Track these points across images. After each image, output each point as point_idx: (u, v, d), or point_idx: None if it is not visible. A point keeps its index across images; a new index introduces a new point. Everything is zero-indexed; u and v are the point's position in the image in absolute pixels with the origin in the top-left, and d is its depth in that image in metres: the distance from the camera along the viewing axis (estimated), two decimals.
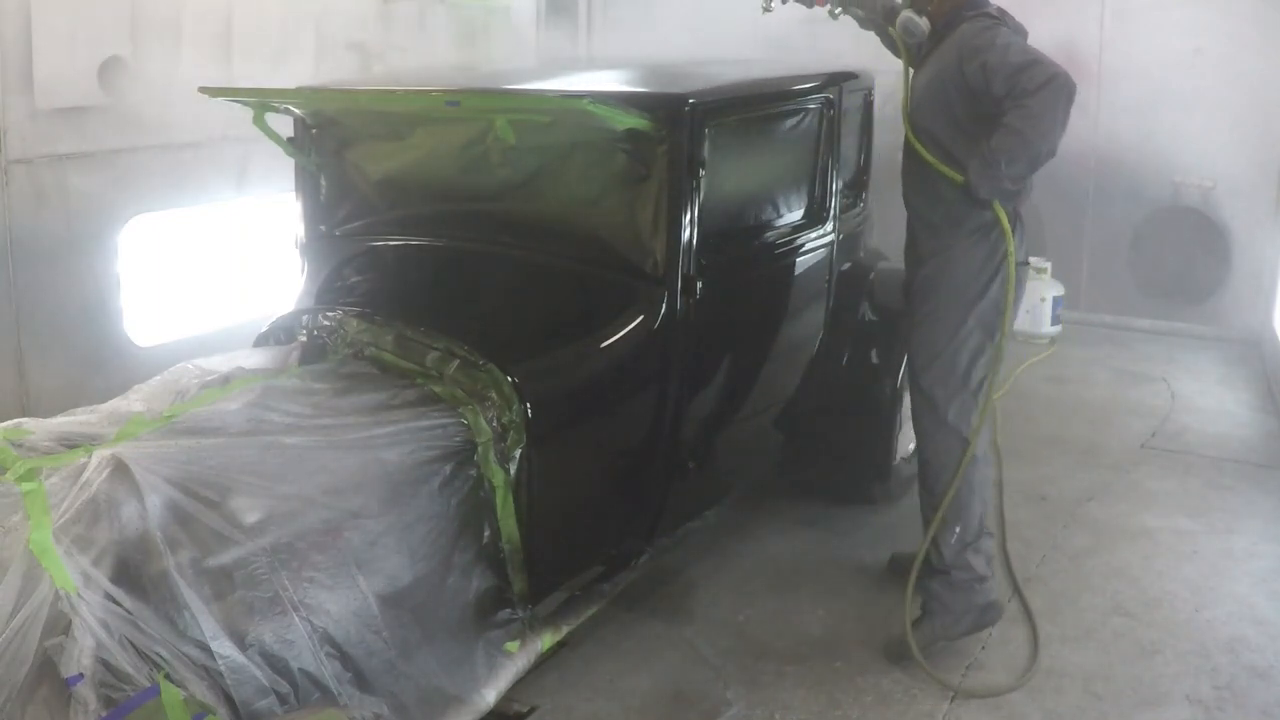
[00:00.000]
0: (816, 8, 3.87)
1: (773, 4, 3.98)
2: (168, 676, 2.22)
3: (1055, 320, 6.69)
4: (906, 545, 4.06)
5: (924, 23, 3.42)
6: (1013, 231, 3.31)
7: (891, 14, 3.62)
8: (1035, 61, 3.12)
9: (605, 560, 3.48)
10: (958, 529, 3.41)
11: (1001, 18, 3.37)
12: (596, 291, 3.40)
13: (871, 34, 3.91)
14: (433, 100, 3.47)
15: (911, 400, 3.58)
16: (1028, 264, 3.54)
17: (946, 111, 3.33)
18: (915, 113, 3.44)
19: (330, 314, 3.38)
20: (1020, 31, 3.39)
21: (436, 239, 3.72)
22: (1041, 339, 6.61)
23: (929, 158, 3.35)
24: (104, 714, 2.13)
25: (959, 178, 3.27)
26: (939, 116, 3.35)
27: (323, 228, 3.95)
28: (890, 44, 3.76)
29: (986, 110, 3.20)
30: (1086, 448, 5.15)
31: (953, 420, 3.40)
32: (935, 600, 3.44)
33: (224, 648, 2.32)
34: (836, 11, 3.82)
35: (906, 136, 3.46)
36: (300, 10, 5.38)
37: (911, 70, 3.52)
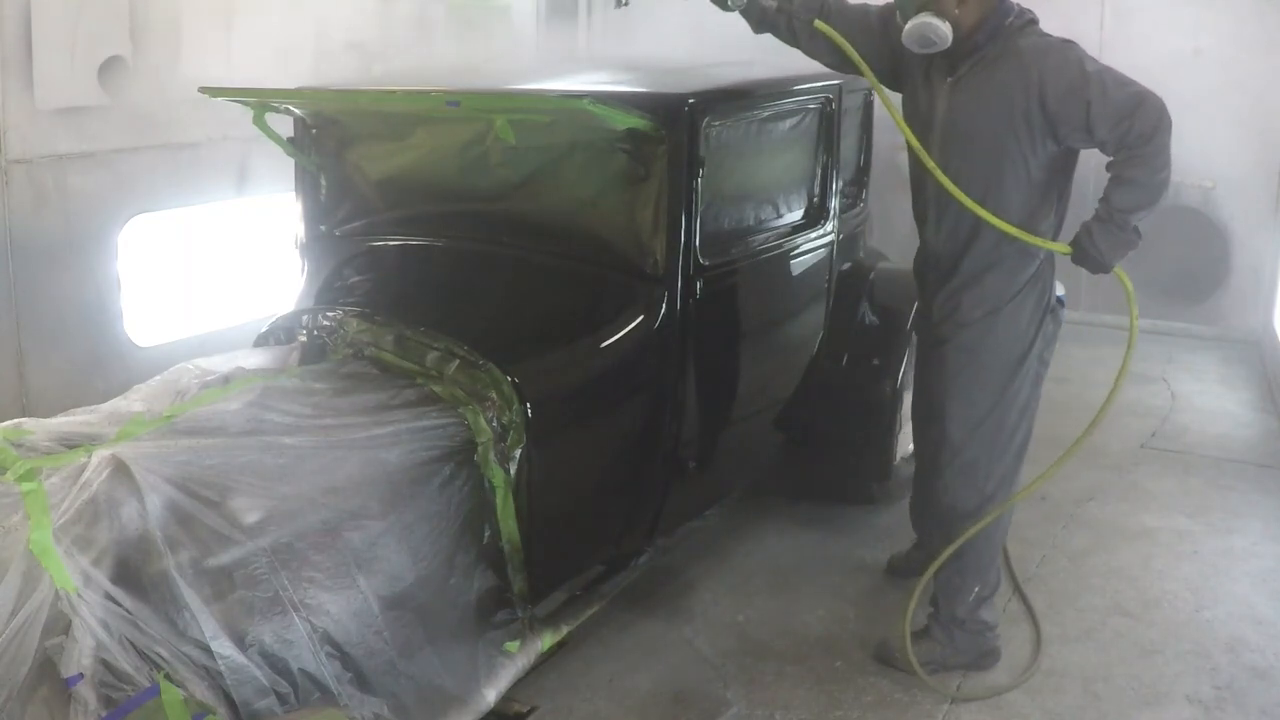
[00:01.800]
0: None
1: None
2: (168, 676, 2.22)
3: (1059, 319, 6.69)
4: (906, 546, 4.06)
5: (947, 29, 2.96)
6: (1047, 272, 3.12)
7: (814, 10, 3.20)
8: (1139, 98, 2.84)
9: (605, 560, 3.48)
10: (977, 588, 3.34)
11: (1037, 24, 3.08)
12: (596, 291, 3.40)
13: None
14: (433, 100, 3.47)
15: (939, 469, 3.34)
16: (1063, 303, 3.33)
17: (1016, 153, 2.97)
18: (953, 148, 3.05)
19: (330, 314, 3.38)
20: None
21: (436, 239, 3.71)
22: None
23: (1013, 231, 2.98)
24: (104, 714, 2.13)
25: (1065, 249, 2.99)
26: (1002, 157, 2.99)
27: (323, 228, 3.95)
28: (816, 48, 3.31)
29: (1064, 151, 2.96)
30: (1086, 448, 5.09)
31: (993, 491, 3.25)
32: (943, 631, 3.38)
33: (224, 648, 2.32)
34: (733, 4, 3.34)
35: (952, 194, 3.01)
36: (300, 10, 5.38)
37: (903, 92, 3.23)
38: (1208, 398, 5.84)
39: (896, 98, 3.31)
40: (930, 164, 3.08)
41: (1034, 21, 3.09)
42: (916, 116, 3.21)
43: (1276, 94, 6.43)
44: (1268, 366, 6.14)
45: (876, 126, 4.62)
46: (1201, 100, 6.53)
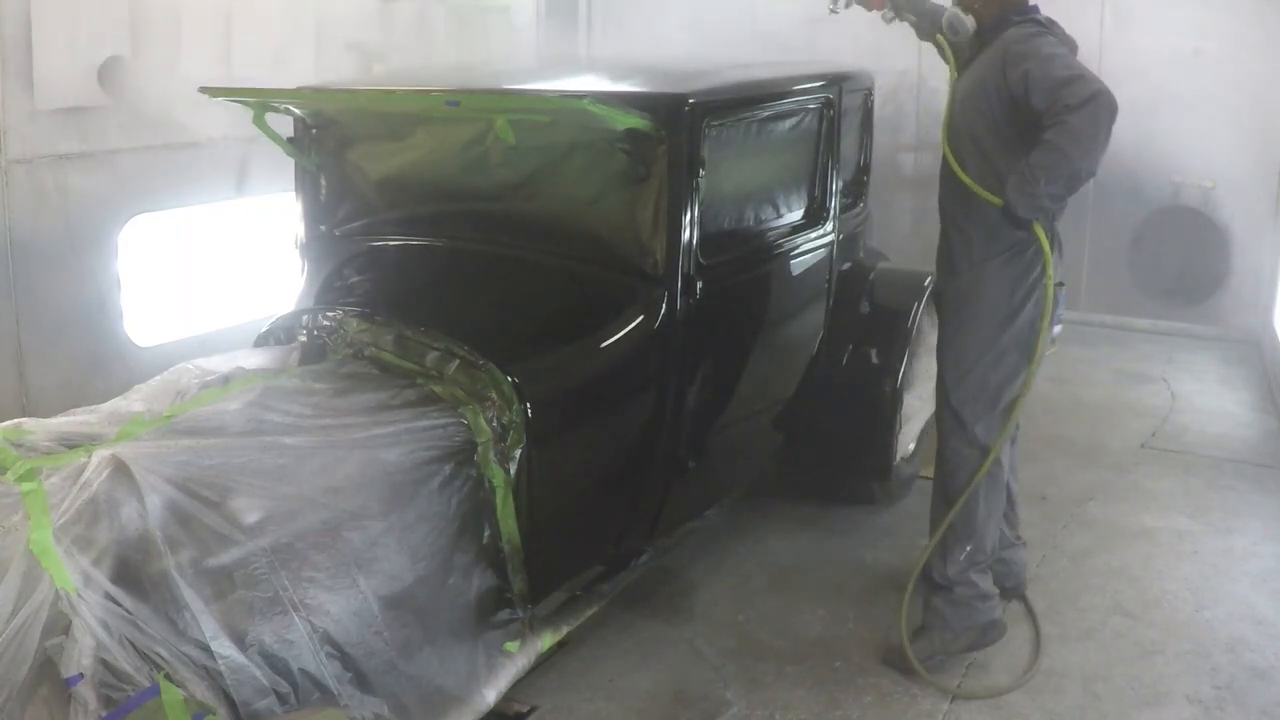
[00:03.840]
0: (875, 11, 3.88)
1: (839, 6, 3.97)
2: (168, 676, 2.22)
3: (1056, 320, 6.69)
4: (908, 545, 4.06)
5: (970, 21, 3.37)
6: (1051, 250, 3.24)
7: (940, 19, 3.57)
8: (1079, 76, 3.04)
9: (605, 560, 3.48)
10: (969, 547, 3.37)
11: (1049, 26, 3.30)
12: (596, 291, 3.40)
13: (869, 35, 3.89)
14: (433, 100, 3.47)
15: (938, 415, 3.51)
16: (1063, 284, 3.42)
17: (989, 118, 3.26)
18: (956, 118, 3.38)
19: (330, 314, 3.38)
20: (1069, 43, 3.32)
21: (436, 239, 3.71)
22: None
23: (966, 180, 3.29)
24: (104, 714, 2.13)
25: (998, 201, 3.20)
26: (980, 122, 3.29)
27: (323, 228, 3.95)
28: (943, 54, 3.71)
29: (1027, 120, 3.13)
30: (1086, 448, 5.15)
31: (980, 436, 3.36)
32: (935, 615, 3.41)
33: (224, 648, 2.32)
34: (889, 16, 3.82)
35: (944, 151, 3.40)
36: (300, 10, 5.38)
37: (956, 75, 3.47)
38: (1208, 398, 5.84)
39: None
40: (944, 129, 3.41)
41: (1037, 22, 3.28)
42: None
43: (1276, 94, 6.43)
44: (1268, 366, 6.14)
45: (876, 126, 4.62)
46: (1201, 100, 6.54)
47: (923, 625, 3.44)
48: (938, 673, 3.36)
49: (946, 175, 3.44)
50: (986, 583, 3.43)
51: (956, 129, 3.38)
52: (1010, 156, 3.21)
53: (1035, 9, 3.35)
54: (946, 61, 3.61)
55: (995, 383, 3.35)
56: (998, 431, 3.36)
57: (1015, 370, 3.35)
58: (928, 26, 3.73)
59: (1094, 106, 2.99)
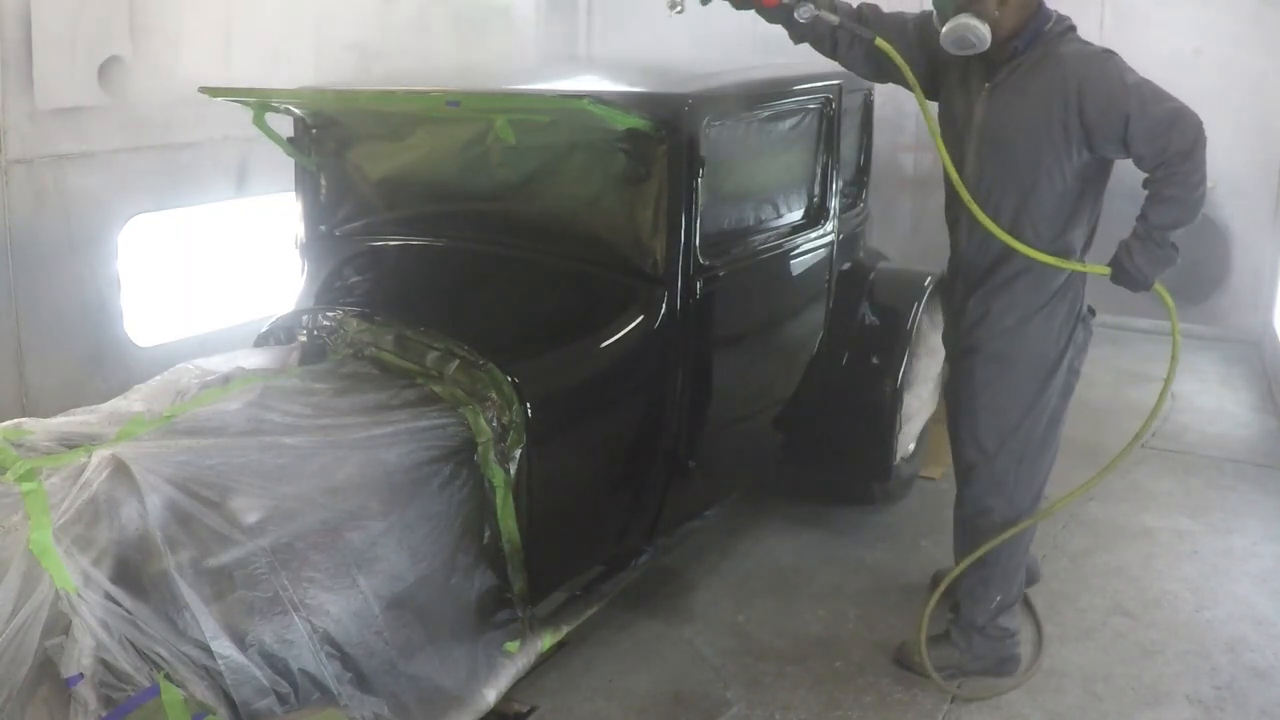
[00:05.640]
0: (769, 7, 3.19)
1: (683, 3, 3.38)
2: (168, 676, 2.22)
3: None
4: (908, 545, 4.06)
5: (986, 31, 2.90)
6: (1078, 281, 3.08)
7: (853, 18, 3.13)
8: (1178, 114, 2.82)
9: (605, 560, 3.48)
10: (999, 598, 3.32)
11: (1074, 31, 3.03)
12: (596, 291, 3.40)
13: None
14: (433, 100, 3.47)
15: (976, 473, 3.31)
16: (1093, 312, 3.27)
17: (1054, 160, 2.93)
18: (974, 155, 3.04)
19: (330, 314, 3.38)
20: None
21: (436, 239, 3.71)
22: None
23: (1055, 262, 2.97)
24: (104, 714, 2.13)
25: (1104, 270, 2.96)
26: (1035, 162, 2.94)
27: (323, 228, 3.95)
28: (854, 58, 3.26)
29: (1104, 157, 2.93)
30: (1086, 448, 5.13)
31: (1021, 502, 3.25)
32: (962, 637, 3.37)
33: (224, 648, 2.32)
34: (807, 13, 3.11)
35: (969, 208, 2.99)
36: (300, 10, 5.38)
37: (938, 98, 3.18)
38: (1208, 398, 5.84)
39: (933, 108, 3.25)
40: (958, 183, 3.05)
41: (1073, 28, 3.04)
42: (951, 124, 3.18)
43: (1276, 94, 6.43)
44: (1268, 366, 6.14)
45: (876, 126, 4.62)
46: (1201, 100, 6.47)
47: (945, 638, 3.40)
48: (951, 680, 3.34)
49: (982, 232, 3.06)
50: (1014, 623, 3.39)
51: (991, 168, 3.02)
52: (1064, 202, 2.99)
53: (1052, 11, 3.03)
54: (860, 70, 3.25)
55: (1039, 438, 3.21)
56: (1040, 492, 3.29)
57: (1055, 418, 3.22)
58: (829, 32, 3.24)
59: (1199, 146, 2.79)
